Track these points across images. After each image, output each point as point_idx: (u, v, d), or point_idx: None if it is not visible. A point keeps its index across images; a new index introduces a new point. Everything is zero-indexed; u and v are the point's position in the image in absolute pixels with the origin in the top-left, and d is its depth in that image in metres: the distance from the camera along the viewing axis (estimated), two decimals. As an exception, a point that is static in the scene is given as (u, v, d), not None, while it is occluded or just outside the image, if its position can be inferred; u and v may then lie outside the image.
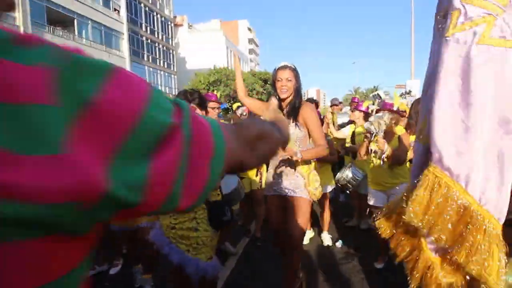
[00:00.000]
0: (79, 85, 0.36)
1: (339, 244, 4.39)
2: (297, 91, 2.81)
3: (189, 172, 0.45)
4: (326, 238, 4.47)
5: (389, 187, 3.56)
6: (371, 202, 3.78)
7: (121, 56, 30.02)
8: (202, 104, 2.42)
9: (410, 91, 17.81)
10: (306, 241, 4.30)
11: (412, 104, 3.98)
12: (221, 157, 0.52)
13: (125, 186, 0.38)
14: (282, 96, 2.78)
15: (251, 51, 67.88)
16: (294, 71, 2.82)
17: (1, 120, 0.32)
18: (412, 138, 3.75)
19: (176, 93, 34.43)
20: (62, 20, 24.45)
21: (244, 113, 4.49)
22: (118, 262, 3.64)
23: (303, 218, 2.79)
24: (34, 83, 0.34)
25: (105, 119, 0.37)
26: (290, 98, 2.80)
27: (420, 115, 1.59)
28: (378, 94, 15.93)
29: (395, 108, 3.84)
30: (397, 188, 3.49)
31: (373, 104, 8.21)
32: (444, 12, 1.30)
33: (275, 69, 2.88)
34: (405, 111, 4.11)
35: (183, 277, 2.20)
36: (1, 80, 0.33)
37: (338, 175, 4.54)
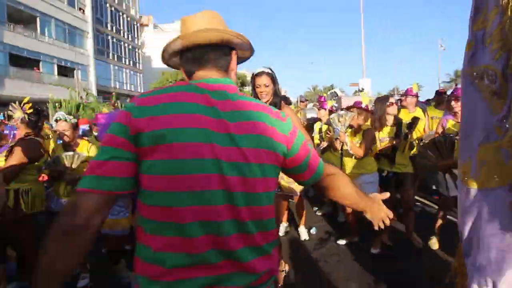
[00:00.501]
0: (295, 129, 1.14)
1: (313, 231, 4.52)
2: (276, 93, 2.83)
3: (310, 161, 1.15)
4: (303, 232, 4.43)
5: (354, 177, 3.66)
6: None
7: (85, 54, 28.77)
8: None
9: (363, 89, 18.49)
10: (281, 233, 4.37)
11: (374, 103, 4.15)
12: (322, 164, 1.18)
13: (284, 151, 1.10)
14: (263, 101, 2.77)
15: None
16: (270, 75, 2.80)
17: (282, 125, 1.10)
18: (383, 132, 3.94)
19: (142, 90, 33.08)
20: (24, 18, 22.96)
21: None
22: (85, 274, 3.29)
23: (276, 211, 2.80)
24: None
25: (293, 135, 1.11)
26: (270, 100, 2.81)
27: (461, 156, 1.29)
28: (335, 91, 16.30)
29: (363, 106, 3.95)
30: (360, 178, 3.67)
31: (331, 99, 8.42)
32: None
33: (253, 75, 2.87)
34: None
35: None
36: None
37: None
